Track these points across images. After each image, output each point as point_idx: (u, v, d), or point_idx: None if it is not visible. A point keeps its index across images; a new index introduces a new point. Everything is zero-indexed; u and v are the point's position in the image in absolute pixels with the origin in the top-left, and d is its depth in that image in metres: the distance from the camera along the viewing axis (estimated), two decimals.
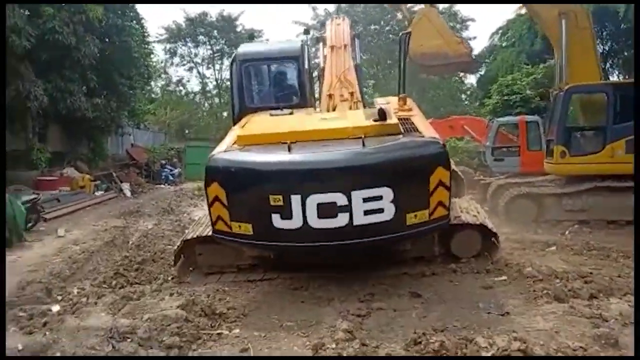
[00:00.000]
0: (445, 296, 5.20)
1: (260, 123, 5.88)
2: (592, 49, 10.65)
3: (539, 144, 15.89)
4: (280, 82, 8.37)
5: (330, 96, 7.21)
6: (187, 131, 36.75)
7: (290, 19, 72.62)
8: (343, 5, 34.21)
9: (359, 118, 5.41)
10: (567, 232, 9.02)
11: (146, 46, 22.26)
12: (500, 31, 32.31)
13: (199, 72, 40.16)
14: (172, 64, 39.24)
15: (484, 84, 33.11)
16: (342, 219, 4.59)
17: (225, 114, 39.88)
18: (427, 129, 5.39)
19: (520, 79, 23.31)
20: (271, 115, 6.22)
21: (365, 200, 4.56)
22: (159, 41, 36.25)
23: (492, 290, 5.33)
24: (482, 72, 32.43)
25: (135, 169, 22.38)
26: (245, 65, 7.87)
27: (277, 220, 4.69)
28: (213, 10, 38.10)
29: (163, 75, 38.67)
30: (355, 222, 4.60)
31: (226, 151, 5.14)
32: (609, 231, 9.01)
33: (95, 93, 17.97)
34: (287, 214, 4.64)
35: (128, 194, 18.42)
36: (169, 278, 6.59)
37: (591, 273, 5.71)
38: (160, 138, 31.45)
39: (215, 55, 39.37)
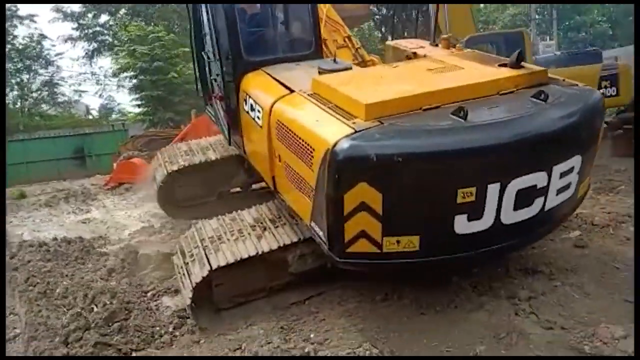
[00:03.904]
0: (562, 265, 4.46)
1: (358, 82, 4.08)
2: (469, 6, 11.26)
3: None
4: (291, 25, 5.94)
5: (324, 42, 5.74)
6: None
7: None
8: None
9: (488, 66, 4.15)
10: None
11: None
12: None
13: None
14: None
15: None
16: (536, 206, 3.46)
17: None
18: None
19: None
20: (322, 71, 4.40)
21: (561, 175, 3.50)
22: None
23: (593, 250, 4.78)
24: None
25: None
26: None
27: (461, 224, 3.28)
28: None
29: None
30: (547, 206, 3.52)
31: (362, 132, 3.30)
32: None
33: None
34: (477, 212, 3.27)
35: None
36: (170, 329, 4.60)
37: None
38: None
39: None
